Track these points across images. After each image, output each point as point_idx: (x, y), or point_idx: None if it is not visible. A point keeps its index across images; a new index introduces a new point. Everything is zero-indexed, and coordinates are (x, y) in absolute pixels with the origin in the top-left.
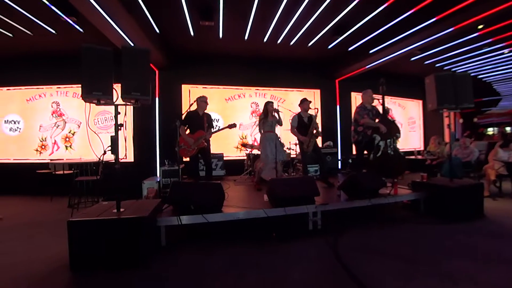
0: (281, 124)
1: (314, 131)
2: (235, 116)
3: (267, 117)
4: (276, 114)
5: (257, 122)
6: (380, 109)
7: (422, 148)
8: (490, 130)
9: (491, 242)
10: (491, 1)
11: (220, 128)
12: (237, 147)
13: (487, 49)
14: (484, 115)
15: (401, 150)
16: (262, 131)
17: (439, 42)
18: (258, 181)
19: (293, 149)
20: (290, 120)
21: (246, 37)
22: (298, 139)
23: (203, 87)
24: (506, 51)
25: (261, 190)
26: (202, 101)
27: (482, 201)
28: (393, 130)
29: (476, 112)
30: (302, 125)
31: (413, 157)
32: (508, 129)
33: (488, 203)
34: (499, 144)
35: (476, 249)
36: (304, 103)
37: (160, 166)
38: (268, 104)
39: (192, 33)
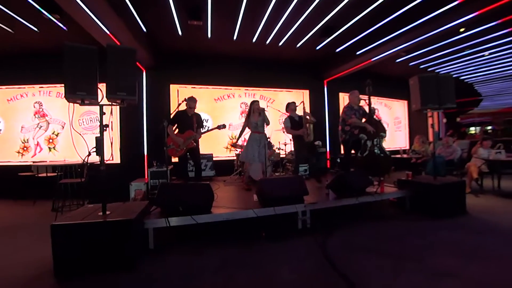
0: (267, 123)
1: (308, 117)
2: (225, 116)
3: (252, 117)
4: (261, 113)
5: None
6: (366, 109)
7: (407, 147)
8: (472, 129)
9: (474, 238)
10: (472, 5)
11: (209, 128)
12: (227, 148)
13: (469, 51)
14: (466, 115)
15: (387, 149)
16: (249, 131)
17: (423, 44)
18: (247, 180)
19: (282, 149)
20: (283, 123)
21: (235, 38)
22: (293, 136)
23: (192, 87)
24: (486, 53)
25: (250, 190)
26: (191, 102)
27: (464, 198)
28: (379, 130)
29: (459, 112)
30: (294, 123)
31: (398, 156)
32: (489, 128)
33: (470, 200)
34: (479, 143)
35: (460, 245)
36: (291, 104)
37: (148, 167)
38: (254, 104)
39: (180, 33)
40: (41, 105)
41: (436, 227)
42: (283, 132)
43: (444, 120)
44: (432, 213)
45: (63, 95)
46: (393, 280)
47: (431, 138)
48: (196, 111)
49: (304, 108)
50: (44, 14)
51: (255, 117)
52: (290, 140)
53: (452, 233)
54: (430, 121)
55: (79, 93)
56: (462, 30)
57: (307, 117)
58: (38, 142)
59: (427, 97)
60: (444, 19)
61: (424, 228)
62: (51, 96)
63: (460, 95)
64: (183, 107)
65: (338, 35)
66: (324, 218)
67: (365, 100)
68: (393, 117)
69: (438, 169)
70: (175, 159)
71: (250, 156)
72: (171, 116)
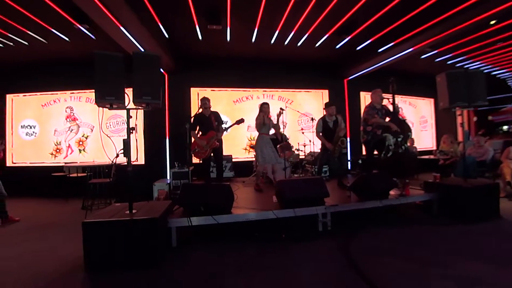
0: (277, 129)
1: (340, 139)
2: (244, 118)
3: (264, 119)
4: (275, 118)
5: (257, 124)
6: (390, 108)
7: (434, 148)
8: (505, 128)
9: (508, 244)
10: None
11: (229, 125)
12: (246, 149)
13: (501, 44)
14: (499, 112)
15: (418, 150)
16: (259, 133)
17: (450, 39)
18: (258, 182)
19: (301, 150)
20: (316, 123)
21: (253, 40)
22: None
23: (211, 90)
24: None
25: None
26: (204, 103)
27: (498, 201)
28: (404, 130)
29: (490, 109)
30: (326, 129)
31: (426, 157)
32: None
33: (505, 204)
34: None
35: (492, 250)
36: (329, 108)
37: (170, 168)
38: (263, 106)
39: (200, 37)
40: (72, 110)
41: (466, 232)
42: (302, 133)
43: (475, 119)
44: (462, 217)
45: (93, 100)
46: (419, 286)
47: (460, 138)
48: (213, 109)
49: (341, 120)
50: (74, 24)
51: (266, 119)
52: (310, 141)
53: (483, 238)
54: (459, 120)
55: (108, 98)
56: (493, 22)
57: (343, 138)
58: (69, 144)
59: (456, 94)
60: (473, 11)
61: (453, 233)
62: (81, 101)
63: (492, 92)
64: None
65: (358, 32)
66: (346, 221)
67: (388, 99)
68: (419, 116)
69: (469, 170)
70: (196, 160)
71: (268, 158)
72: (191, 121)
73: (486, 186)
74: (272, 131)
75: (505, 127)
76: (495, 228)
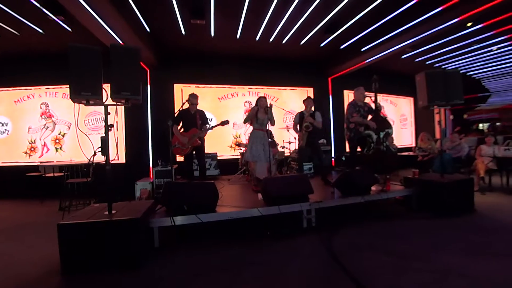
0: (273, 123)
1: (304, 124)
2: (229, 115)
3: (259, 113)
4: (268, 111)
5: (246, 115)
6: (372, 106)
7: (413, 145)
8: (480, 126)
9: (481, 236)
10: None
11: (212, 126)
12: (231, 146)
13: (476, 46)
14: (474, 111)
15: (397, 147)
16: (252, 128)
17: (430, 40)
18: (255, 182)
19: (286, 147)
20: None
21: (238, 36)
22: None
23: (196, 86)
24: (494, 48)
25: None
26: (192, 99)
27: (472, 195)
28: (385, 127)
29: (466, 108)
30: (302, 122)
31: (405, 153)
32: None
33: (479, 198)
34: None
35: (468, 243)
36: (307, 101)
37: (153, 167)
38: (260, 100)
39: (183, 32)
40: (48, 106)
41: (443, 225)
42: (287, 130)
43: (451, 117)
44: (439, 211)
45: (69, 95)
46: (399, 279)
47: (437, 135)
48: (199, 108)
49: (308, 111)
50: (48, 15)
51: (262, 114)
52: (295, 138)
53: (459, 231)
54: (437, 118)
55: (84, 93)
56: (469, 24)
57: (309, 122)
58: (45, 142)
59: (434, 93)
60: (451, 13)
61: (431, 226)
62: (57, 97)
63: (468, 91)
64: (186, 105)
65: (342, 31)
66: (329, 217)
67: (370, 97)
68: (399, 115)
69: (445, 166)
70: (180, 158)
71: (256, 154)
72: (175, 115)
73: (461, 181)
74: (270, 127)
75: (481, 125)
76: (470, 221)
